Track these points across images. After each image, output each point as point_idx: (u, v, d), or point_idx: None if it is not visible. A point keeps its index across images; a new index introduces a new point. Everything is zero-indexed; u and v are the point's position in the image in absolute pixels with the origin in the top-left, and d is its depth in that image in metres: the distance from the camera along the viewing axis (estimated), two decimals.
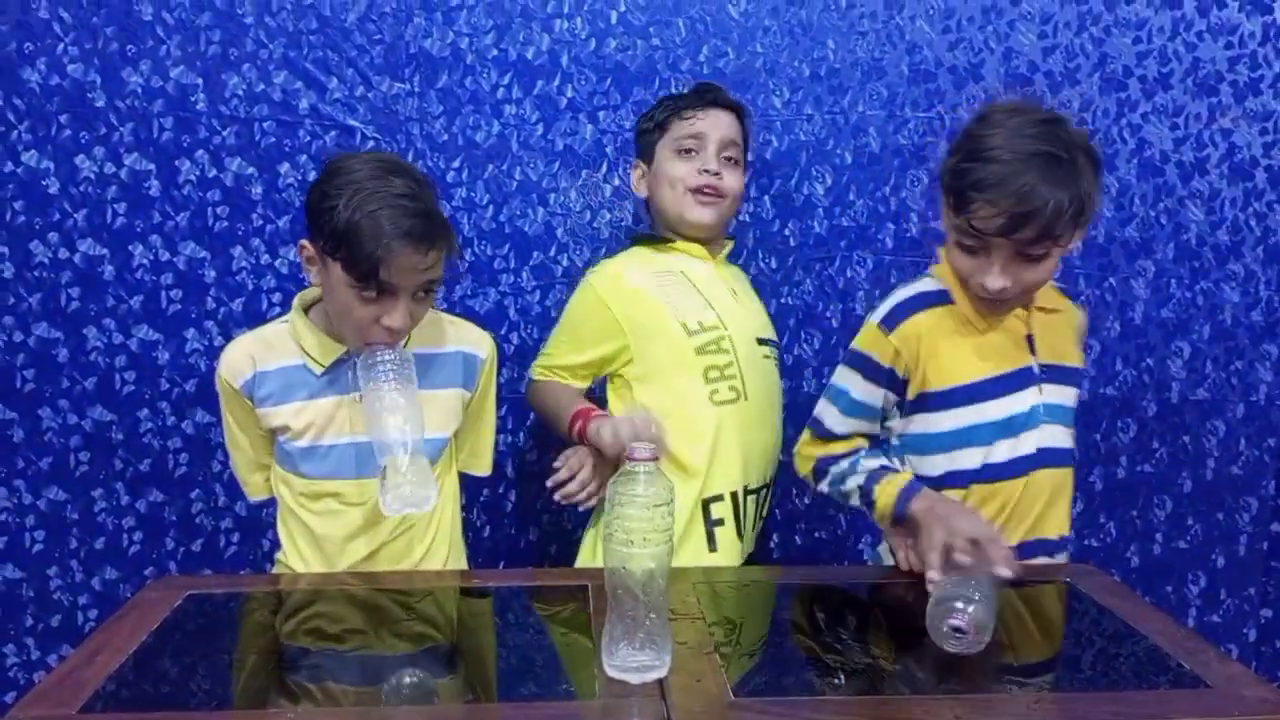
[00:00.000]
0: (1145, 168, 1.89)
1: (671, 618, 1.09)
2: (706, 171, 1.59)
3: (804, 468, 1.48)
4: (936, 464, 1.38)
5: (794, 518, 1.98)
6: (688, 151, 1.61)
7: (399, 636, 1.17)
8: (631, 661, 1.01)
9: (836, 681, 1.05)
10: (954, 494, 1.35)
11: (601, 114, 1.82)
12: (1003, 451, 1.35)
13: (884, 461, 1.41)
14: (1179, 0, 1.85)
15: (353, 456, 1.36)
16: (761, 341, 1.64)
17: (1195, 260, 1.93)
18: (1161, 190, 1.90)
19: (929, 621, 1.09)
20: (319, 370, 1.35)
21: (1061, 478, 1.39)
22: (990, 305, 1.34)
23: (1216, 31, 1.86)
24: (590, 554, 1.61)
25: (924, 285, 1.40)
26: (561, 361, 1.64)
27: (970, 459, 1.36)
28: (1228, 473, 2.01)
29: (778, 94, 1.83)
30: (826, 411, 1.43)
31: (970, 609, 1.06)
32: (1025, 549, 1.37)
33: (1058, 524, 1.41)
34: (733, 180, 1.62)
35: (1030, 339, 1.37)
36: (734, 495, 1.57)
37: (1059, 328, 1.40)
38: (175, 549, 1.87)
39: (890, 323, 1.37)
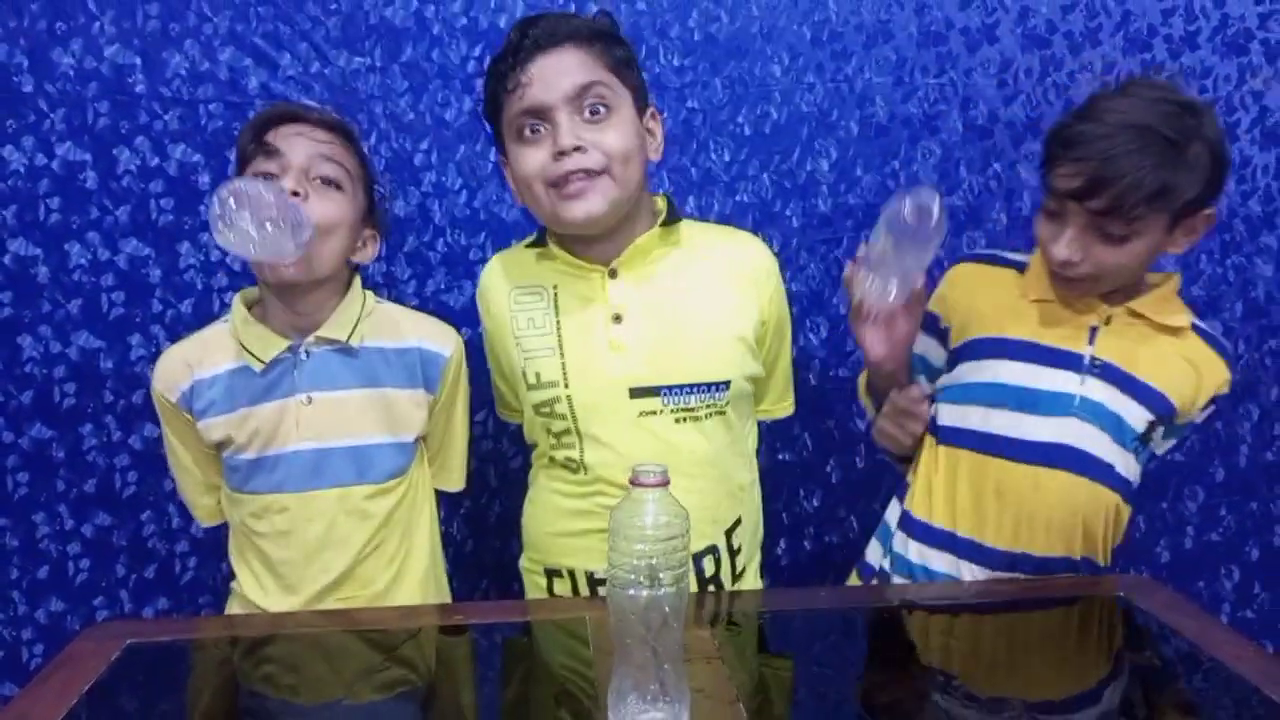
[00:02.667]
0: None
1: (686, 658, 0.94)
2: (561, 153, 1.16)
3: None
4: (947, 414, 1.32)
5: (802, 521, 1.84)
6: (532, 132, 1.19)
7: (369, 687, 1.01)
8: (643, 719, 0.87)
9: None
10: (949, 451, 1.30)
11: None
12: (1006, 424, 1.25)
13: None
14: None
15: (300, 466, 1.23)
16: (642, 392, 1.24)
17: (1226, 233, 1.79)
18: None
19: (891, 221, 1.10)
20: (259, 368, 1.22)
21: (1089, 494, 1.23)
22: (1063, 283, 1.24)
23: None
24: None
25: (1005, 252, 1.38)
26: (501, 395, 1.43)
27: (978, 418, 1.28)
28: (1262, 460, 1.88)
29: (776, 61, 1.67)
30: None
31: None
32: (1017, 561, 1.26)
33: (1073, 547, 1.26)
34: (608, 138, 1.17)
35: (1094, 331, 1.25)
36: (587, 575, 1.31)
37: (1165, 350, 1.25)
38: (126, 576, 1.71)
39: (948, 267, 1.41)
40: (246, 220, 1.09)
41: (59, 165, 1.60)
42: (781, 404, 1.44)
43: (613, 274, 1.25)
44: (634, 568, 0.85)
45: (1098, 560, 1.28)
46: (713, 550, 1.30)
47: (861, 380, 1.44)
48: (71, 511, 1.69)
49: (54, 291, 1.63)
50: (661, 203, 1.30)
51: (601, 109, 1.18)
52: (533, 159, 1.18)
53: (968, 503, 1.27)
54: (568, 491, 1.30)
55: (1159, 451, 1.34)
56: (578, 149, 1.16)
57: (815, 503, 1.83)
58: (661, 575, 0.85)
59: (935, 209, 1.10)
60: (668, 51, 1.65)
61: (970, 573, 1.27)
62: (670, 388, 1.23)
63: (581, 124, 1.17)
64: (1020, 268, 1.33)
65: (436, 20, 1.62)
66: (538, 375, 1.26)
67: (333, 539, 1.23)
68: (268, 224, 1.09)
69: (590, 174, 1.17)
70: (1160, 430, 1.27)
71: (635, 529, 0.85)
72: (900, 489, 1.39)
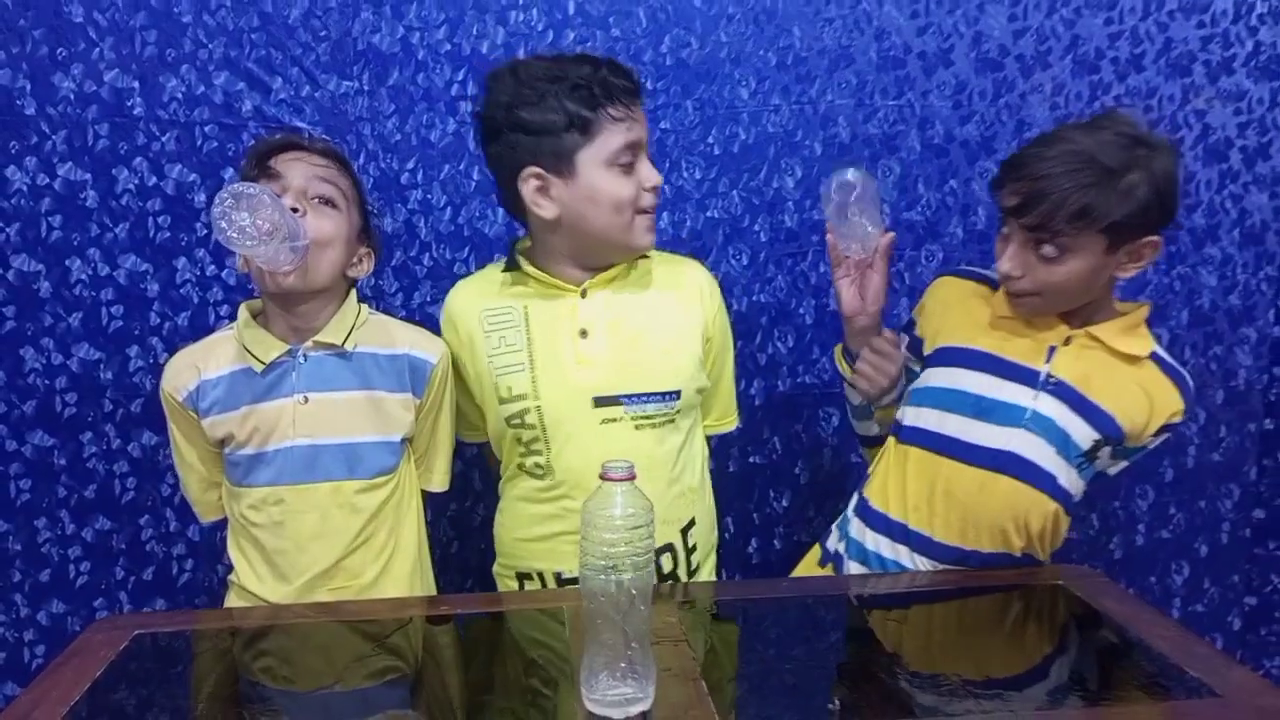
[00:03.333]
0: None
1: (654, 641, 1.02)
2: (653, 188, 1.33)
3: None
4: (910, 415, 1.40)
5: (772, 521, 1.92)
6: (628, 165, 1.31)
7: (362, 672, 1.09)
8: (613, 694, 0.95)
9: (832, 707, 1.00)
10: (906, 448, 1.39)
11: None
12: (959, 427, 1.34)
13: None
14: None
15: (296, 460, 1.31)
16: (605, 401, 1.34)
17: (1171, 244, 1.89)
18: None
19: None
20: (260, 368, 1.31)
21: (1030, 501, 1.30)
22: (1013, 300, 1.33)
23: (1188, 10, 1.82)
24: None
25: (987, 270, 1.44)
26: (463, 415, 1.49)
27: (934, 420, 1.36)
28: (1209, 460, 1.98)
29: (744, 84, 1.76)
30: None
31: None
32: (962, 557, 1.34)
33: (1014, 546, 1.34)
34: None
35: (1053, 350, 1.32)
36: (555, 575, 1.40)
37: (1120, 376, 1.31)
38: (125, 579, 1.78)
39: (935, 277, 1.51)
40: (245, 221, 1.17)
41: (60, 185, 1.67)
42: (726, 419, 1.55)
43: (583, 294, 1.36)
44: (604, 555, 0.93)
45: (1038, 559, 1.37)
46: (669, 548, 1.40)
47: (838, 350, 1.52)
48: (72, 516, 1.76)
49: (55, 305, 1.70)
50: None
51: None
52: (629, 186, 1.31)
53: (919, 498, 1.35)
54: (536, 498, 1.39)
55: (1111, 472, 1.42)
56: (658, 187, 1.35)
57: (784, 503, 1.92)
58: (629, 561, 0.93)
59: (849, 177, 1.28)
60: (642, 75, 1.71)
61: (918, 564, 1.35)
62: (630, 396, 1.34)
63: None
64: (993, 283, 1.40)
65: (421, 46, 1.70)
66: (509, 389, 1.35)
67: (325, 530, 1.31)
68: (265, 225, 1.18)
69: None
70: (1107, 450, 1.34)
71: (605, 519, 0.93)
72: (863, 478, 1.48)
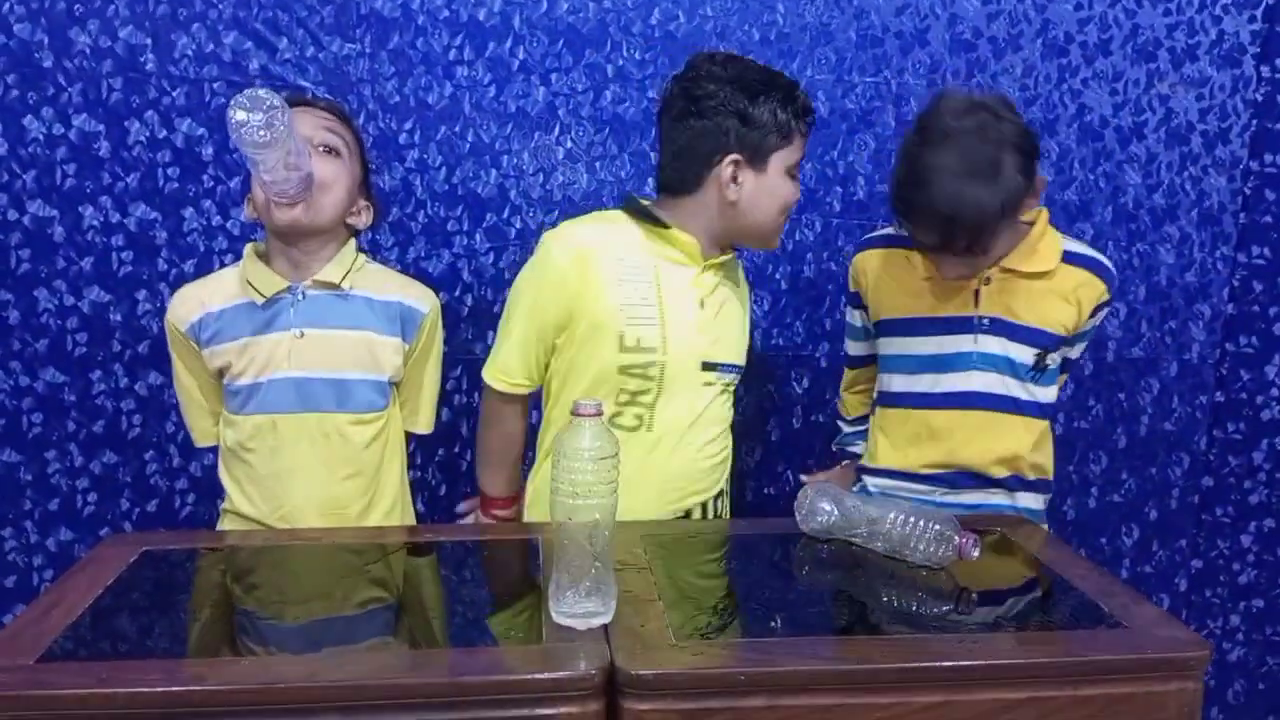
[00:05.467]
0: (1085, 132, 1.94)
1: (618, 568, 1.12)
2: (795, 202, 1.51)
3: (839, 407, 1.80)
4: (882, 381, 1.59)
5: (744, 475, 2.02)
6: (795, 178, 1.48)
7: (353, 590, 1.20)
8: (578, 609, 1.05)
9: (773, 624, 1.10)
10: (886, 411, 1.58)
11: (553, 76, 1.83)
12: (927, 384, 1.51)
13: (852, 446, 1.74)
14: None
15: (289, 391, 1.40)
16: (708, 366, 1.48)
17: (1132, 223, 1.99)
18: (1100, 154, 1.96)
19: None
20: (261, 301, 1.40)
21: (1001, 424, 1.49)
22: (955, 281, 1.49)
23: None
24: (532, 507, 1.56)
25: (891, 231, 1.56)
26: (510, 353, 1.48)
27: (901, 384, 1.55)
28: (1161, 429, 2.09)
29: None
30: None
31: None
32: (956, 478, 1.51)
33: (995, 463, 1.50)
34: None
35: (978, 294, 1.47)
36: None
37: (1036, 291, 1.46)
38: (130, 510, 1.88)
39: (855, 252, 1.63)
40: (259, 120, 1.25)
41: (75, 135, 1.75)
42: None
43: (704, 269, 1.48)
44: (573, 482, 1.02)
45: (1025, 475, 1.53)
46: (723, 494, 1.57)
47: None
48: (81, 450, 1.86)
49: (68, 250, 1.79)
50: None
51: None
52: (795, 194, 1.49)
53: (905, 446, 1.53)
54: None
55: (1073, 356, 1.59)
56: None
57: (756, 458, 2.02)
58: (595, 489, 1.03)
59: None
60: (630, 46, 1.83)
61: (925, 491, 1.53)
62: (722, 365, 1.50)
63: None
64: (906, 242, 1.52)
65: (421, 12, 1.78)
66: (638, 340, 1.42)
67: (314, 460, 1.41)
68: (279, 126, 1.26)
69: None
70: (1053, 356, 1.50)
71: (575, 450, 1.02)
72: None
